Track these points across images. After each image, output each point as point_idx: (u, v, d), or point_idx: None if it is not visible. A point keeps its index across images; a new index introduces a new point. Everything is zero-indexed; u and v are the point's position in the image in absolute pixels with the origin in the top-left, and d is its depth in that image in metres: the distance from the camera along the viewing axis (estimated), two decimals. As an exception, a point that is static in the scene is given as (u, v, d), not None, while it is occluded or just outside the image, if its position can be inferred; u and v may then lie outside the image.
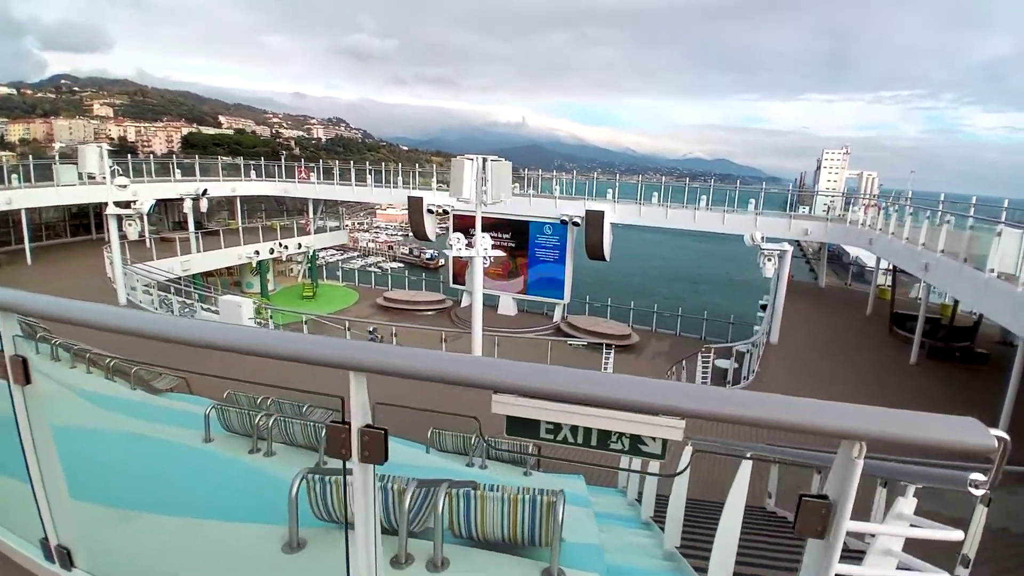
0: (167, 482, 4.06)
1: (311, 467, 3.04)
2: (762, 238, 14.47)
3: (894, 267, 17.09)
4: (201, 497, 3.78)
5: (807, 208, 26.00)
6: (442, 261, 60.82)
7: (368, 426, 1.58)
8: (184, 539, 2.98)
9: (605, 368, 12.02)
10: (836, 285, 24.75)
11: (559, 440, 1.67)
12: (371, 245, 73.64)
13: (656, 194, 24.13)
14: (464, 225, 26.67)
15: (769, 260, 13.87)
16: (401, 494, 2.85)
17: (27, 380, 1.88)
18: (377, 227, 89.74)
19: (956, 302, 16.62)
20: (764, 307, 20.48)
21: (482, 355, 11.50)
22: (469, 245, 11.19)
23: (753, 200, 24.10)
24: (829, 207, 25.82)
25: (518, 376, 1.39)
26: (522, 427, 1.64)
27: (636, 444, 1.64)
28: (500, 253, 10.89)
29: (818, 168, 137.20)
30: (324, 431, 5.24)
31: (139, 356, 10.75)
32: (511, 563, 3.00)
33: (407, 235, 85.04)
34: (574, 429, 1.65)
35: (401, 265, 60.01)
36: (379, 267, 54.15)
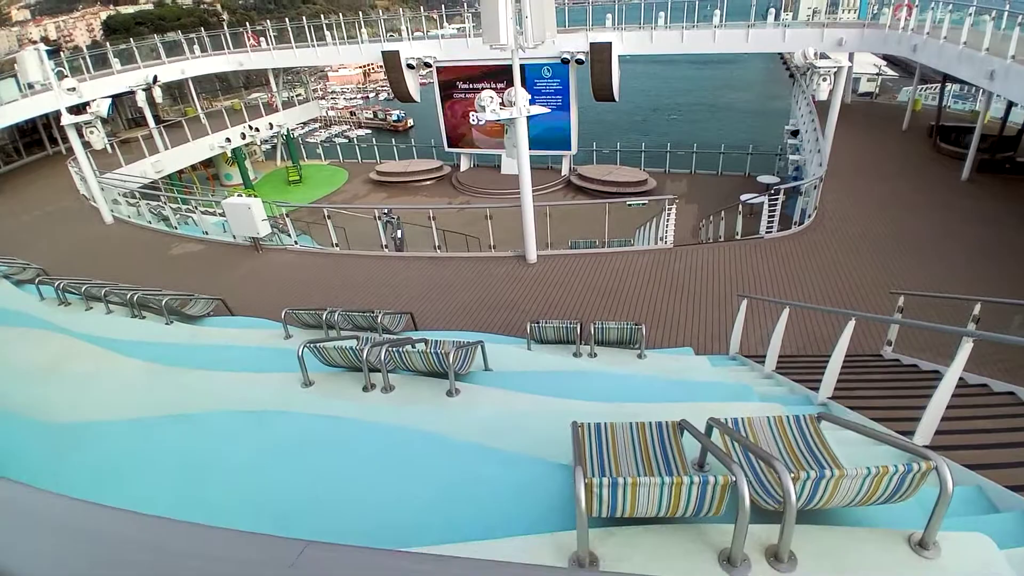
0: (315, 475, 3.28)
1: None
2: (815, 54, 12.71)
3: (943, 77, 15.55)
4: (379, 488, 3.03)
5: (790, 14, 23.30)
6: (410, 122, 56.75)
7: None
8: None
9: (667, 226, 11.13)
10: (859, 101, 23.17)
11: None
12: (331, 113, 67.88)
13: (663, 14, 21.21)
14: (450, 78, 23.82)
15: (824, 80, 12.31)
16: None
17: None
18: (333, 92, 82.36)
19: (1008, 109, 15.46)
20: (794, 133, 19.19)
21: (534, 231, 10.51)
22: (502, 104, 9.58)
23: (773, 9, 21.41)
24: (814, 11, 23.15)
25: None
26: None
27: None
28: (543, 110, 9.34)
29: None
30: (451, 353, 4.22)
31: (142, 280, 9.64)
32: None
33: (367, 98, 78.77)
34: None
35: (368, 131, 55.72)
36: (346, 136, 50.28)
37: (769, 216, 10.92)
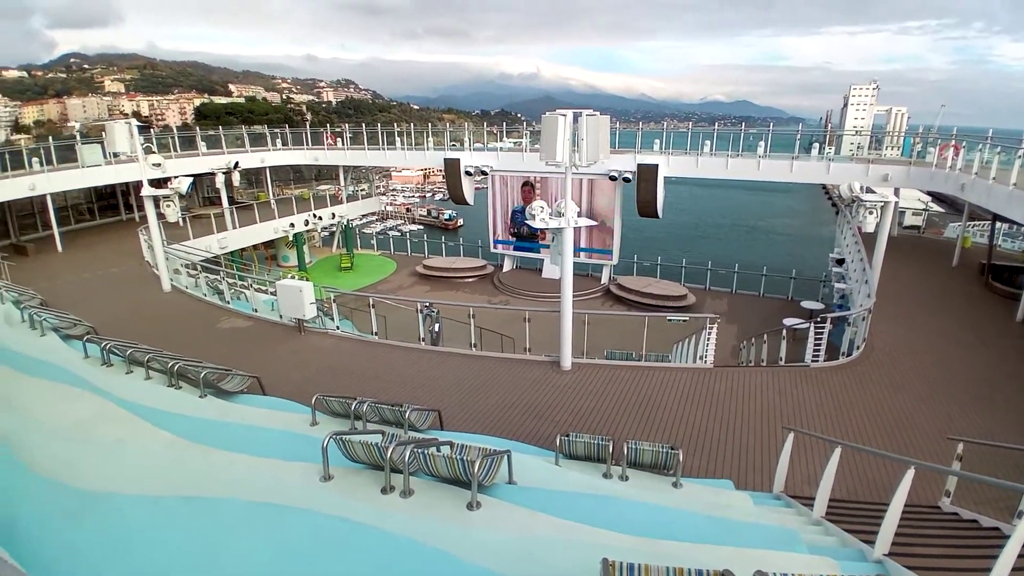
0: None
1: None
2: (861, 188, 12.94)
3: (993, 216, 15.45)
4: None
5: (832, 148, 23.97)
6: (460, 221, 60.11)
7: None
8: None
9: (707, 344, 10.94)
10: (906, 234, 23.08)
11: None
12: (389, 208, 73.16)
13: (709, 142, 22.29)
14: (507, 186, 25.22)
15: (871, 213, 12.40)
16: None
17: None
18: (393, 189, 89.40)
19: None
20: (840, 261, 19.05)
21: (571, 337, 10.49)
22: (552, 215, 9.99)
23: (817, 144, 22.23)
24: (858, 146, 23.69)
25: None
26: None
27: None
28: (591, 222, 9.68)
29: (845, 105, 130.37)
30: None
31: (186, 349, 9.91)
32: None
33: (423, 197, 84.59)
34: None
35: (420, 227, 59.19)
36: (399, 230, 53.49)
37: (816, 344, 10.55)
